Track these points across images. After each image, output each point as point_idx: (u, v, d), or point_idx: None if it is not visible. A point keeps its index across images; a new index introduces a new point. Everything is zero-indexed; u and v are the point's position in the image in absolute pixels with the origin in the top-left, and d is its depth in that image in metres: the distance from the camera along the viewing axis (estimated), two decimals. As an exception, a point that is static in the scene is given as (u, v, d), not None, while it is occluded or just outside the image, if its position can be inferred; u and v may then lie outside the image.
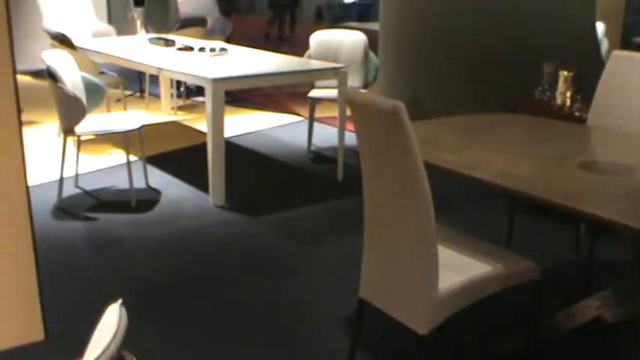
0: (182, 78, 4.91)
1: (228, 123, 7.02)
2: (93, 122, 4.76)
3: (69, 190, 5.04)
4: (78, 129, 4.62)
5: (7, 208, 2.93)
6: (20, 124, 2.92)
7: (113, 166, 5.56)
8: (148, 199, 4.89)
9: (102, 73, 6.48)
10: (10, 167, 2.92)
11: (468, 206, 4.78)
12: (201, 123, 6.92)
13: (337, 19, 12.21)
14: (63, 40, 6.01)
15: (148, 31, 6.55)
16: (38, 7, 8.18)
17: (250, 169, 5.70)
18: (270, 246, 4.18)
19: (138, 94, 8.21)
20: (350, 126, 6.51)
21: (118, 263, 3.93)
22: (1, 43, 2.80)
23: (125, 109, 6.62)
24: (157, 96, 7.60)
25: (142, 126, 4.81)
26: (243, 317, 3.35)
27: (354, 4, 12.68)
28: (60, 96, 4.57)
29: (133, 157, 5.54)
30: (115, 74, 6.44)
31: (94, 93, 5.01)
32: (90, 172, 5.44)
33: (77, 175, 5.17)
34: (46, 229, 4.39)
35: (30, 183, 5.11)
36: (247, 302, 3.50)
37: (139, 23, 6.56)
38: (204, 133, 6.38)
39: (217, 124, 4.60)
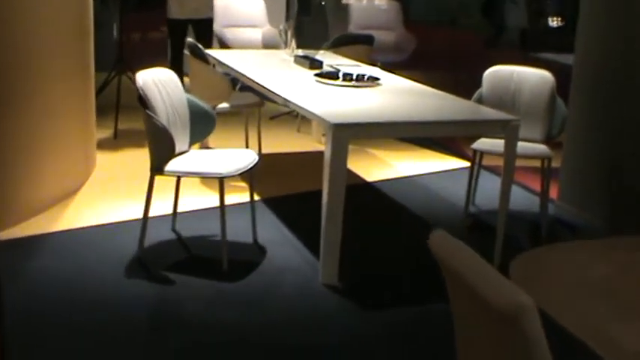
0: (306, 115, 3.90)
1: (382, 162, 6.02)
2: (190, 159, 3.87)
3: (161, 233, 4.18)
4: (168, 167, 3.74)
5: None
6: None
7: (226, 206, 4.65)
8: (246, 262, 3.93)
9: (241, 90, 5.63)
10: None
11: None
12: (351, 159, 5.87)
13: (538, 46, 10.52)
14: (196, 52, 5.19)
15: (298, 47, 5.59)
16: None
17: (385, 230, 4.58)
18: (374, 363, 3.08)
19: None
20: (522, 177, 5.21)
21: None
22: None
23: (259, 136, 5.69)
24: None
25: (248, 170, 3.86)
26: None
27: (559, 28, 11.02)
28: (148, 126, 3.70)
29: (255, 197, 4.63)
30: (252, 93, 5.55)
31: (203, 121, 4.12)
32: (197, 211, 4.57)
33: (175, 216, 4.30)
34: (109, 290, 3.55)
35: (133, 216, 4.32)
36: None
37: (288, 35, 5.62)
38: (353, 174, 5.35)
39: (336, 180, 3.54)
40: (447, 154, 6.22)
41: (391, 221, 4.74)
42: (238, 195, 4.73)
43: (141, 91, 3.64)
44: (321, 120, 3.65)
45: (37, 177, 4.35)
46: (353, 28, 8.39)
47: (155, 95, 3.71)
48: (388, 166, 5.84)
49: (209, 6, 6.77)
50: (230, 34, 7.85)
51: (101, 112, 5.80)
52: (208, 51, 5.46)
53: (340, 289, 3.66)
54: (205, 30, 6.78)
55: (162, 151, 3.72)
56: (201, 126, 4.10)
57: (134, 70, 6.28)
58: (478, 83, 4.73)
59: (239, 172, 3.78)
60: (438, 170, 5.81)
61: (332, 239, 3.60)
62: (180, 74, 5.74)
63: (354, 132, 3.58)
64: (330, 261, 3.65)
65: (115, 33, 8.72)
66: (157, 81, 3.80)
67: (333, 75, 4.70)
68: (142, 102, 3.66)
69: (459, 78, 8.70)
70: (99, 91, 6.25)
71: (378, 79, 4.68)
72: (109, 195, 4.77)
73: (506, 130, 3.81)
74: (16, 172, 4.17)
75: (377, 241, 4.36)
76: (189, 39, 5.37)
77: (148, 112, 3.64)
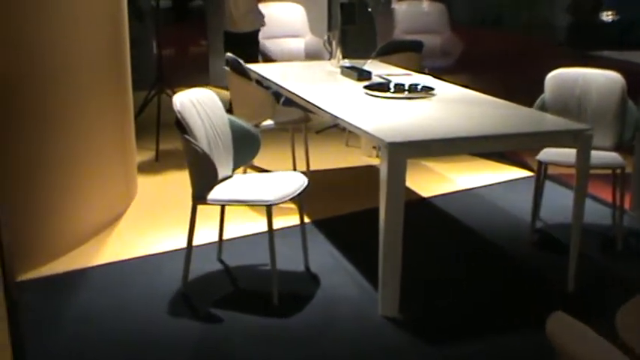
0: (358, 132, 3.60)
1: (437, 175, 5.66)
2: (235, 185, 3.59)
3: (207, 264, 3.92)
4: (211, 196, 3.47)
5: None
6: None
7: (274, 230, 4.35)
8: (298, 293, 3.63)
9: (285, 104, 5.35)
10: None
11: None
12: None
13: (588, 44, 9.91)
14: (236, 67, 4.93)
15: (344, 56, 5.29)
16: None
17: (446, 251, 4.25)
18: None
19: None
20: (595, 189, 4.81)
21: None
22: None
23: (306, 154, 5.37)
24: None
25: (297, 195, 3.57)
26: None
27: (614, 22, 10.43)
28: (188, 152, 3.44)
29: (305, 219, 4.34)
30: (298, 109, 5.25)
31: (247, 143, 3.85)
32: (244, 238, 4.30)
33: (221, 244, 4.03)
34: (152, 329, 3.29)
35: (177, 245, 4.06)
36: None
37: (334, 45, 5.33)
38: (407, 190, 5.02)
39: (394, 204, 3.23)
40: (506, 164, 5.87)
41: (452, 241, 4.41)
42: (286, 218, 4.46)
43: (179, 115, 3.37)
44: (374, 138, 3.35)
45: (75, 207, 4.12)
46: (398, 33, 8.08)
47: (194, 118, 3.45)
48: (444, 179, 5.51)
49: (255, 19, 6.47)
50: (272, 45, 7.59)
51: (141, 133, 5.58)
52: (249, 65, 5.18)
53: (402, 321, 3.35)
54: (249, 43, 6.51)
55: (203, 179, 3.45)
56: (245, 149, 3.83)
57: (174, 88, 6.06)
58: (527, 87, 4.39)
59: (287, 198, 3.50)
60: (497, 182, 5.46)
61: (391, 268, 3.29)
62: None
63: (411, 150, 3.26)
64: (390, 292, 3.34)
65: (154, 49, 8.52)
66: (195, 102, 3.53)
67: (383, 87, 4.40)
68: (180, 126, 3.39)
69: (511, 82, 8.31)
70: (139, 112, 6.04)
71: (432, 88, 4.36)
72: (152, 223, 4.52)
73: (579, 141, 3.46)
74: (52, 202, 3.94)
75: (438, 265, 4.04)
76: (229, 54, 5.09)
77: (186, 137, 3.37)
